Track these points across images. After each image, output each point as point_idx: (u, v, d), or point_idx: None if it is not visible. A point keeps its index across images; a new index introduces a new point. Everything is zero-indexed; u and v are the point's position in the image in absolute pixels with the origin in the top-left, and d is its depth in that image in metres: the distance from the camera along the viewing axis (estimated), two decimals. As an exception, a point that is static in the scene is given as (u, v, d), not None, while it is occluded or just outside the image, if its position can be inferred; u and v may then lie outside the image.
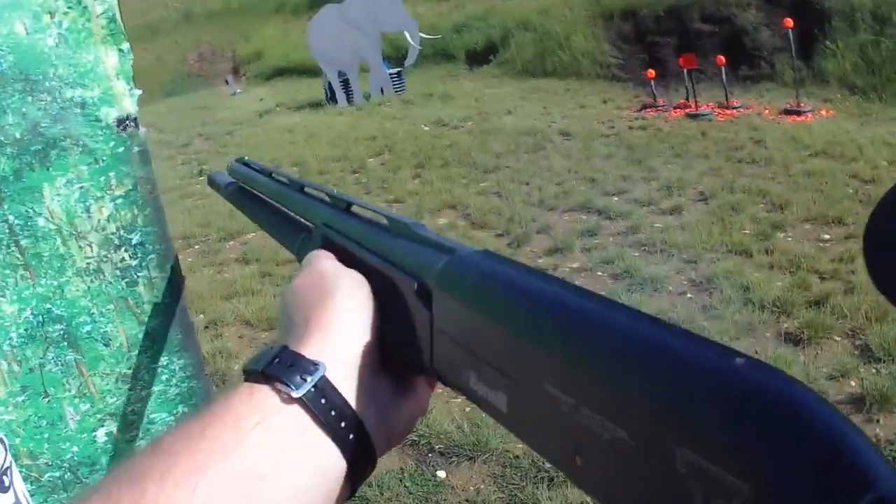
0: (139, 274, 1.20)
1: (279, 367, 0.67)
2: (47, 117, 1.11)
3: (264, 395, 0.66)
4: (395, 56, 21.78)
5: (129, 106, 1.18)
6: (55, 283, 1.15)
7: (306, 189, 1.09)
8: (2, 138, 1.09)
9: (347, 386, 0.70)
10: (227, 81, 28.21)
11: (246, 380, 0.69)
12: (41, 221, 1.13)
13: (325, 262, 0.84)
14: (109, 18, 1.15)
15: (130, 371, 1.20)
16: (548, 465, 4.53)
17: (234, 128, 18.34)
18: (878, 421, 4.82)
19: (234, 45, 32.87)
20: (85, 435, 1.18)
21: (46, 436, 1.18)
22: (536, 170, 11.53)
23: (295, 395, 0.65)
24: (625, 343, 0.48)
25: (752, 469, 0.37)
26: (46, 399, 1.17)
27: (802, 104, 14.57)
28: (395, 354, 0.77)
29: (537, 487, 4.48)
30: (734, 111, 14.88)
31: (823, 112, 14.53)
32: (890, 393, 4.92)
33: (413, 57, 20.39)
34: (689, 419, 0.41)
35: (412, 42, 19.96)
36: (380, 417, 0.73)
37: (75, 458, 1.20)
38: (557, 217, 9.32)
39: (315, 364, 0.68)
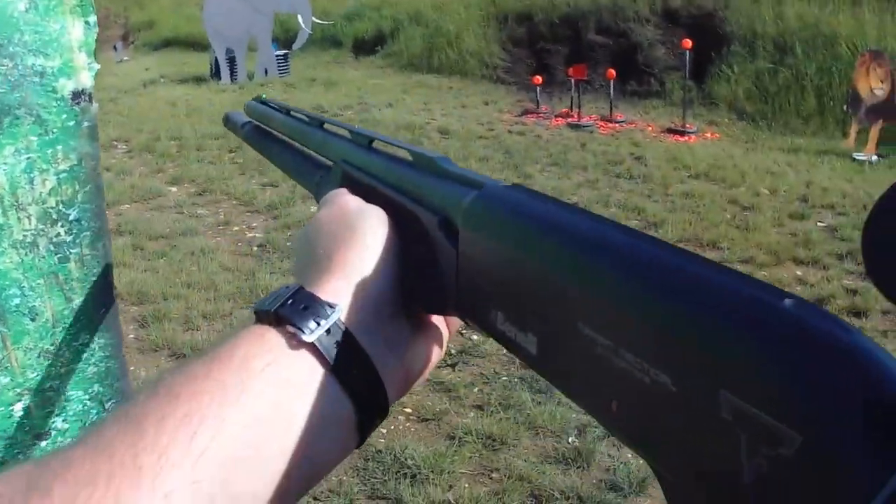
0: (72, 250, 1.18)
1: (292, 308, 0.65)
2: (6, 83, 1.09)
3: (274, 337, 0.64)
4: (284, 38, 21.57)
5: (87, 80, 1.16)
6: (-12, 253, 1.12)
7: (326, 126, 1.07)
8: (-47, 99, 1.07)
9: (364, 329, 0.68)
10: (115, 48, 27.52)
11: (257, 320, 0.67)
12: (-19, 190, 1.10)
13: (346, 197, 0.81)
14: (82, -12, 1.12)
15: (53, 347, 1.18)
16: (410, 461, 4.64)
17: (117, 95, 17.84)
18: None
19: (127, 12, 32.13)
20: (2, 408, 1.15)
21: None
22: (412, 165, 11.42)
23: (307, 339, 0.63)
24: (670, 281, 0.47)
25: (802, 417, 0.36)
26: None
27: (688, 125, 14.77)
28: (416, 293, 0.74)
29: (399, 483, 4.51)
30: (617, 125, 15.00)
31: (708, 135, 14.76)
32: None
33: (302, 41, 20.28)
34: (737, 363, 0.40)
35: (304, 26, 19.85)
36: (397, 361, 0.72)
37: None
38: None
39: (331, 306, 0.66)
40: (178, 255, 8.13)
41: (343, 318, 0.66)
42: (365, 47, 22.67)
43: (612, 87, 15.47)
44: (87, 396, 1.24)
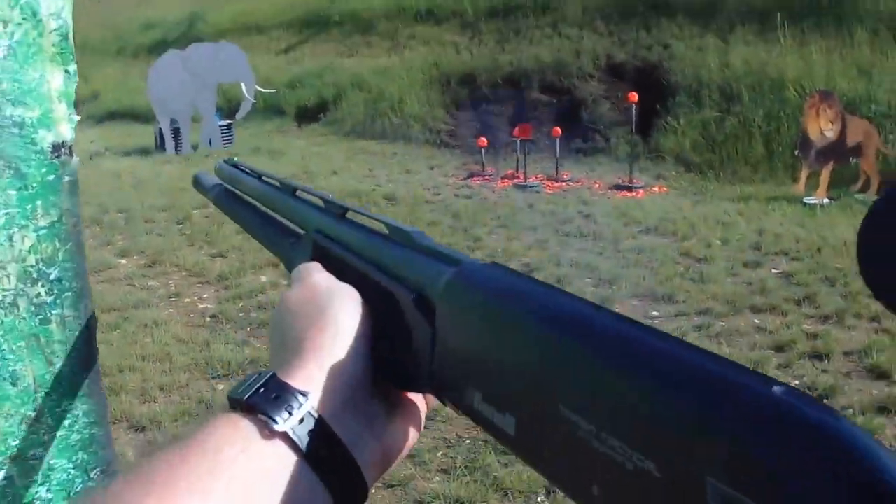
0: (53, 312, 1.14)
1: (263, 397, 0.64)
2: None
3: (246, 426, 0.63)
4: (227, 108, 21.59)
5: (67, 131, 1.13)
6: (-32, 317, 1.10)
7: (298, 193, 1.05)
8: (-69, 152, 1.05)
9: (339, 414, 0.67)
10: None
11: (231, 408, 0.66)
12: (-41, 248, 1.07)
13: (316, 275, 0.81)
14: (62, 36, 1.11)
15: (35, 413, 1.14)
16: None
17: (63, 168, 17.77)
18: None
19: (72, 84, 32.06)
20: None
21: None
22: (360, 233, 11.37)
23: (278, 428, 0.62)
24: (657, 367, 0.46)
25: (790, 502, 0.37)
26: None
27: (635, 180, 14.84)
28: (391, 372, 0.74)
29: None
30: (563, 184, 15.05)
31: (656, 189, 14.83)
32: None
33: (246, 110, 20.38)
34: (723, 450, 0.40)
35: (248, 95, 19.94)
36: (375, 442, 0.72)
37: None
38: (383, 283, 9.15)
39: (303, 394, 0.65)
40: (131, 326, 8.09)
41: (316, 405, 0.66)
42: (308, 115, 22.79)
43: (557, 145, 15.54)
44: (71, 465, 1.19)
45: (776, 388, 0.41)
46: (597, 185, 14.94)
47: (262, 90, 21.01)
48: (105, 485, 0.62)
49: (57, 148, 1.11)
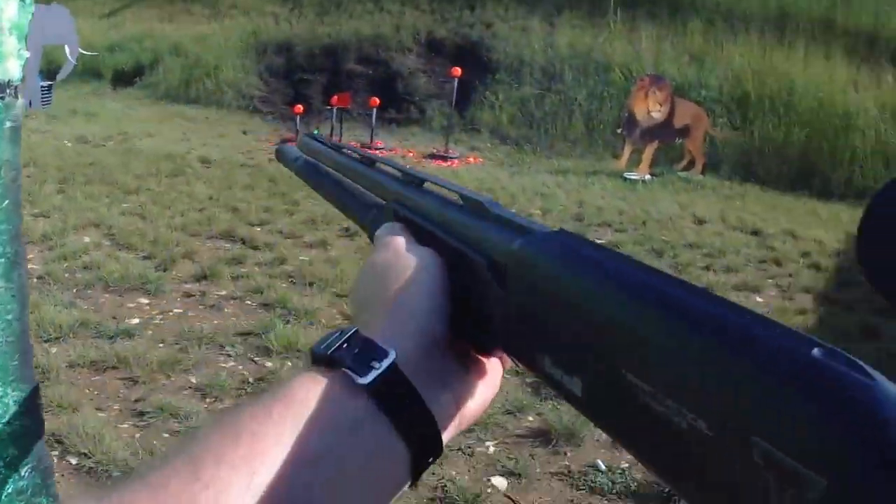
0: None
1: (347, 352, 0.64)
2: None
3: (330, 380, 0.63)
4: (47, 69, 20.96)
5: (15, 69, 0.98)
6: None
7: (377, 165, 1.06)
8: None
9: (419, 371, 0.66)
10: None
11: (312, 362, 0.66)
12: None
13: (400, 239, 0.81)
14: (17, -43, 0.95)
15: None
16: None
17: None
18: (565, 454, 4.85)
19: None
20: None
21: None
22: (178, 195, 11.17)
23: (362, 382, 0.62)
24: (710, 331, 0.46)
25: (827, 462, 0.37)
26: None
27: (450, 150, 15.04)
28: (466, 334, 0.75)
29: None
30: (377, 152, 14.72)
31: (471, 159, 15.05)
32: (574, 427, 4.94)
33: (66, 72, 19.41)
34: (768, 410, 0.40)
35: (70, 58, 19.04)
36: (451, 400, 0.72)
37: None
38: (202, 243, 8.93)
39: (385, 351, 0.64)
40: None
41: (397, 361, 0.65)
42: (124, 79, 22.44)
43: (374, 115, 15.68)
44: (1, 463, 1.03)
45: (817, 350, 0.41)
46: (411, 154, 15.09)
47: (86, 52, 20.21)
48: (192, 436, 0.60)
49: (2, 88, 0.96)
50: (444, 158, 14.68)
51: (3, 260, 1.01)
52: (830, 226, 12.94)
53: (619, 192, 12.32)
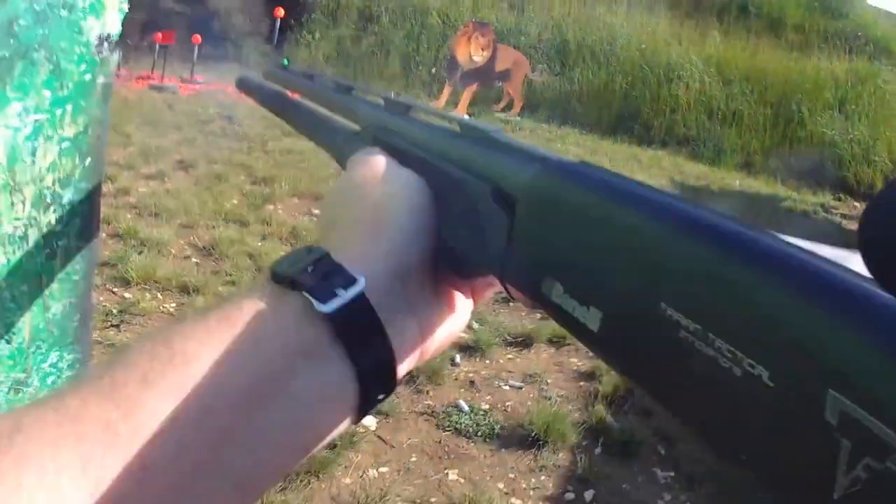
0: (59, 242, 0.92)
1: (312, 275, 0.58)
2: (29, 13, 0.82)
3: (288, 302, 0.57)
4: None
5: (114, 23, 0.92)
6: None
7: (355, 92, 0.98)
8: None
9: (389, 300, 0.61)
10: None
11: (272, 278, 0.60)
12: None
13: (379, 157, 0.75)
14: None
15: (24, 375, 0.93)
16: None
17: None
18: (428, 392, 4.87)
19: None
20: None
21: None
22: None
23: (323, 310, 0.56)
24: (779, 267, 0.40)
25: None
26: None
27: None
28: (453, 259, 0.69)
29: None
30: (196, 87, 14.97)
31: (289, 94, 14.72)
32: (434, 365, 4.98)
33: None
34: (852, 360, 0.34)
35: None
36: (416, 332, 0.67)
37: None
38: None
39: (353, 279, 0.58)
40: None
41: (367, 289, 0.59)
42: None
43: (195, 52, 15.49)
44: None
45: None
46: (230, 90, 14.58)
47: None
48: (121, 352, 0.55)
49: (102, 41, 0.92)
50: (270, 94, 14.59)
51: (78, 221, 0.96)
52: (653, 171, 13.39)
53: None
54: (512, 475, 4.26)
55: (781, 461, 0.38)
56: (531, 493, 4.16)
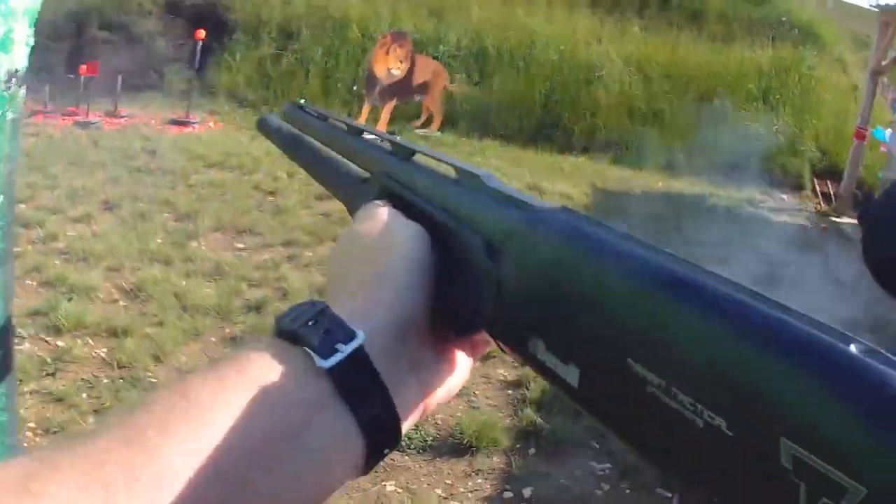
0: None
1: (313, 329, 0.59)
2: None
3: (289, 357, 0.58)
4: None
5: (21, 58, 0.90)
6: None
7: (366, 135, 0.97)
8: None
9: (389, 353, 0.62)
10: None
11: (276, 334, 0.61)
12: None
13: (385, 211, 0.75)
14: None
15: None
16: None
17: None
18: None
19: None
20: None
21: None
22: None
23: (322, 365, 0.57)
24: (735, 322, 0.42)
25: (869, 468, 0.34)
26: None
27: (191, 115, 14.79)
28: (450, 316, 0.69)
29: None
30: (122, 120, 14.69)
31: (211, 124, 14.90)
32: None
33: None
34: (801, 410, 0.37)
35: None
36: (418, 390, 0.67)
37: None
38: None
39: (353, 333, 0.59)
40: None
41: (367, 344, 0.60)
42: None
43: (119, 82, 15.19)
44: None
45: (855, 346, 0.38)
46: (153, 121, 14.72)
47: None
48: (140, 400, 0.56)
49: (10, 77, 0.90)
50: (186, 124, 14.45)
51: None
52: (575, 179, 13.28)
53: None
54: (449, 481, 4.38)
55: (747, 500, 0.40)
56: (469, 495, 4.28)
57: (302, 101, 1.21)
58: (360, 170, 0.95)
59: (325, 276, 0.91)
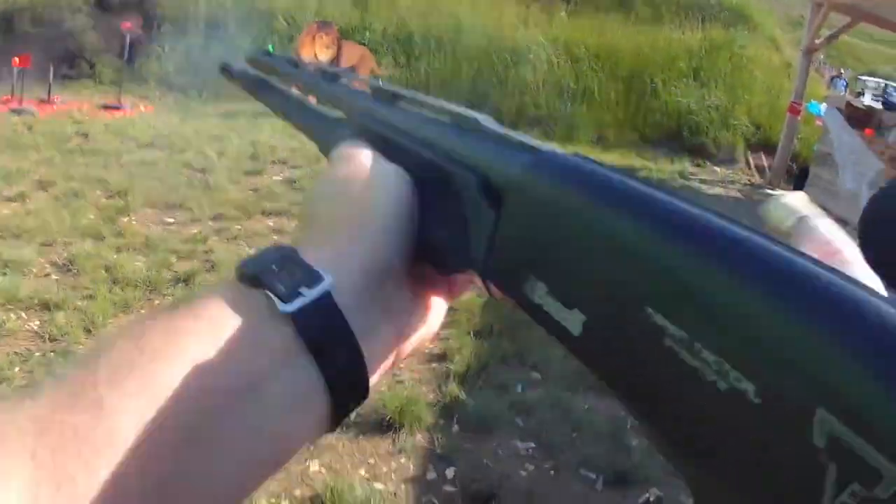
0: None
1: (276, 273, 0.55)
2: None
3: (251, 301, 0.54)
4: None
5: None
6: None
7: (342, 80, 0.93)
8: None
9: (361, 302, 0.58)
10: None
11: (238, 278, 0.57)
12: None
13: (363, 152, 0.70)
14: None
15: None
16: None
17: None
18: None
19: None
20: None
21: None
22: None
23: (284, 309, 0.53)
24: (777, 276, 0.37)
25: None
26: None
27: (122, 100, 14.94)
28: (435, 255, 0.66)
29: None
30: (55, 107, 14.82)
31: (142, 108, 15.01)
32: None
33: None
34: (844, 380, 0.32)
35: None
36: (393, 335, 0.63)
37: None
38: None
39: (320, 276, 0.56)
40: None
41: (336, 289, 0.56)
42: None
43: (51, 72, 15.29)
44: None
45: None
46: (86, 107, 14.79)
47: None
48: (94, 346, 0.53)
49: None
50: (117, 108, 14.62)
51: None
52: None
53: (289, 131, 12.05)
54: (372, 461, 4.31)
55: (763, 482, 0.36)
56: (392, 476, 4.21)
57: (271, 47, 1.19)
58: (335, 112, 0.90)
59: (300, 219, 0.65)
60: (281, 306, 0.53)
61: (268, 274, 0.55)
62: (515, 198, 0.58)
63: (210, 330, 0.52)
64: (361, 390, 0.57)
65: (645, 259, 0.44)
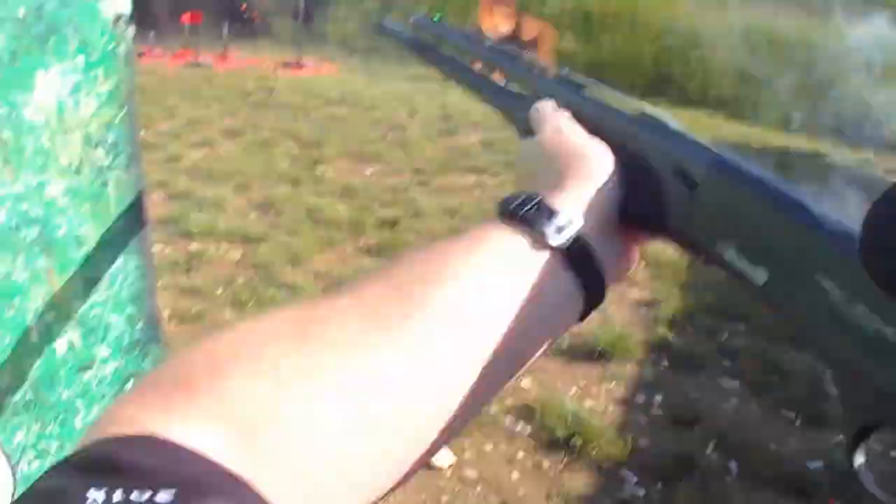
0: (110, 174, 1.15)
1: (537, 214, 0.68)
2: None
3: (522, 237, 0.67)
4: None
5: (125, 4, 1.12)
6: (35, 181, 1.08)
7: (523, 59, 0.98)
8: (3, 14, 1.01)
9: (597, 237, 0.71)
10: None
11: (501, 218, 0.69)
12: (28, 112, 1.04)
13: (572, 125, 0.81)
14: None
15: (96, 274, 1.15)
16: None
17: None
18: None
19: None
20: (48, 345, 1.11)
21: (9, 354, 1.08)
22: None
23: (553, 243, 0.67)
24: None
25: None
26: (11, 311, 1.08)
27: (303, 59, 14.74)
28: (639, 218, 0.76)
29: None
30: (232, 63, 14.66)
31: (324, 69, 14.72)
32: None
33: None
34: None
35: None
36: (614, 263, 0.76)
37: (36, 374, 1.12)
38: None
39: (572, 219, 0.69)
40: None
41: (582, 229, 0.70)
42: None
43: (226, 28, 15.22)
44: (122, 319, 1.21)
45: None
46: (265, 64, 14.56)
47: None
48: (396, 257, 0.66)
49: (117, 18, 1.12)
50: (300, 66, 14.35)
51: (124, 156, 1.16)
52: (696, 129, 13.17)
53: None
54: (583, 383, 4.49)
55: None
56: (602, 396, 4.39)
57: (436, 16, 1.25)
58: (518, 87, 0.96)
59: (517, 171, 0.84)
60: (552, 241, 0.67)
61: (532, 214, 0.68)
62: (707, 188, 0.70)
63: (497, 252, 0.65)
64: (601, 296, 0.72)
65: (820, 238, 0.56)
